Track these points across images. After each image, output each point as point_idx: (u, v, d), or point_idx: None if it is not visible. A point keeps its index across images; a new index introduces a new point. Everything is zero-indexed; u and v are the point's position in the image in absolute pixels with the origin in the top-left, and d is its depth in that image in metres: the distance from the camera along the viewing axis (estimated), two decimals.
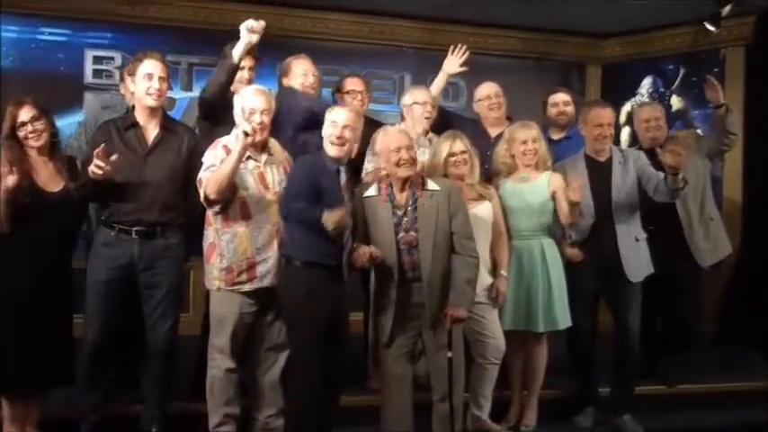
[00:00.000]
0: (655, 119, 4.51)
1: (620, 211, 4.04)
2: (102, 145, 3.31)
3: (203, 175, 3.41)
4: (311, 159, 3.50)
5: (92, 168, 3.28)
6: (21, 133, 3.47)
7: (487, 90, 4.49)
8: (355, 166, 3.78)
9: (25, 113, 3.46)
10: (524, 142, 3.93)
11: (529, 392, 4.08)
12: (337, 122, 3.44)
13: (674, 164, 3.69)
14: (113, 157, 3.30)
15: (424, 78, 6.01)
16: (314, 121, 3.71)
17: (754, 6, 5.44)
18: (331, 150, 3.45)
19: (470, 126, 4.40)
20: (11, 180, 3.33)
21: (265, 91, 3.59)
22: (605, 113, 4.12)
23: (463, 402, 3.63)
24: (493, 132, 4.40)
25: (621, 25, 6.32)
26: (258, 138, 3.44)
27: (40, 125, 3.49)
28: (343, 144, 3.45)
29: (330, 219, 3.20)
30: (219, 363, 3.53)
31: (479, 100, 4.52)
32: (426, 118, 4.13)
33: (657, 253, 4.16)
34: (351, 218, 3.34)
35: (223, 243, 3.48)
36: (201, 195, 3.42)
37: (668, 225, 4.38)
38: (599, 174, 4.07)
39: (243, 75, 3.94)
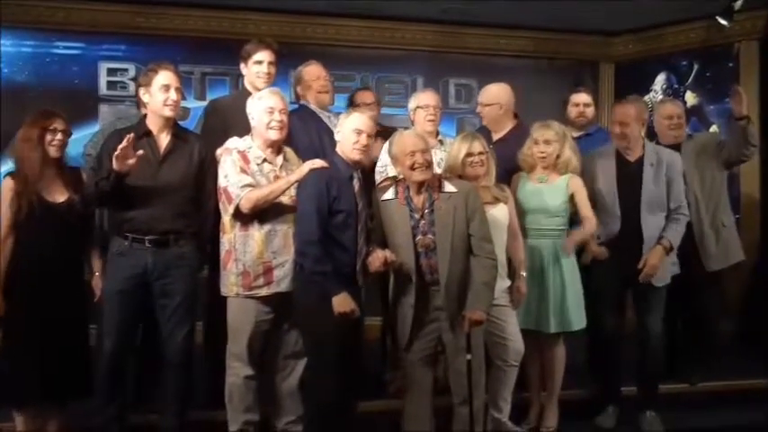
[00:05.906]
0: (677, 116, 4.52)
1: (648, 213, 4.01)
2: (129, 135, 3.28)
3: (235, 191, 3.41)
4: (323, 168, 3.47)
5: (116, 162, 3.26)
6: (48, 137, 3.52)
7: (481, 97, 4.41)
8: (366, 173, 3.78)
9: (59, 124, 3.57)
10: (537, 142, 3.91)
11: (548, 394, 4.04)
12: (362, 130, 3.43)
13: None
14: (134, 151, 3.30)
15: (436, 81, 6.03)
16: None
17: (766, 0, 5.39)
18: (355, 155, 3.44)
19: None
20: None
21: (279, 92, 3.64)
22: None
23: (483, 405, 3.60)
24: (495, 136, 4.35)
25: (634, 22, 6.28)
26: (279, 136, 3.51)
27: (65, 138, 3.60)
28: (366, 151, 3.48)
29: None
30: (238, 370, 3.53)
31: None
32: (430, 120, 4.12)
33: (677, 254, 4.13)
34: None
35: (239, 248, 3.48)
36: (231, 208, 3.44)
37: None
38: (627, 175, 4.05)
39: (261, 69, 3.95)
